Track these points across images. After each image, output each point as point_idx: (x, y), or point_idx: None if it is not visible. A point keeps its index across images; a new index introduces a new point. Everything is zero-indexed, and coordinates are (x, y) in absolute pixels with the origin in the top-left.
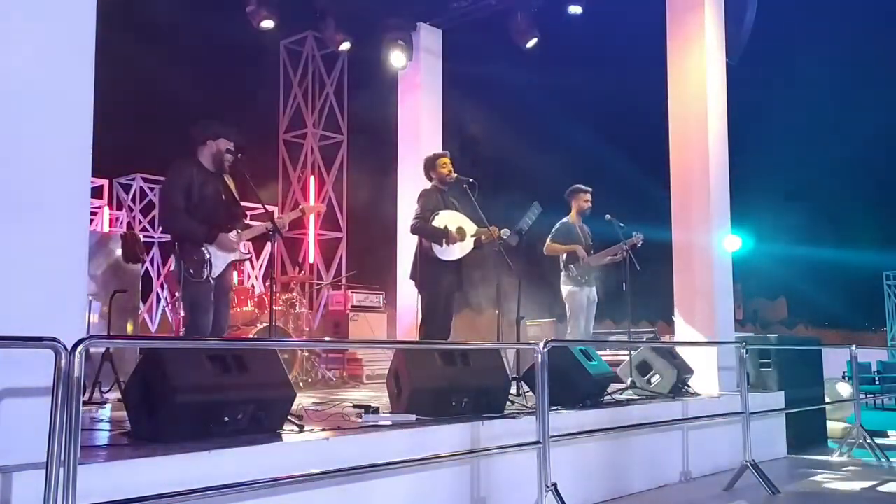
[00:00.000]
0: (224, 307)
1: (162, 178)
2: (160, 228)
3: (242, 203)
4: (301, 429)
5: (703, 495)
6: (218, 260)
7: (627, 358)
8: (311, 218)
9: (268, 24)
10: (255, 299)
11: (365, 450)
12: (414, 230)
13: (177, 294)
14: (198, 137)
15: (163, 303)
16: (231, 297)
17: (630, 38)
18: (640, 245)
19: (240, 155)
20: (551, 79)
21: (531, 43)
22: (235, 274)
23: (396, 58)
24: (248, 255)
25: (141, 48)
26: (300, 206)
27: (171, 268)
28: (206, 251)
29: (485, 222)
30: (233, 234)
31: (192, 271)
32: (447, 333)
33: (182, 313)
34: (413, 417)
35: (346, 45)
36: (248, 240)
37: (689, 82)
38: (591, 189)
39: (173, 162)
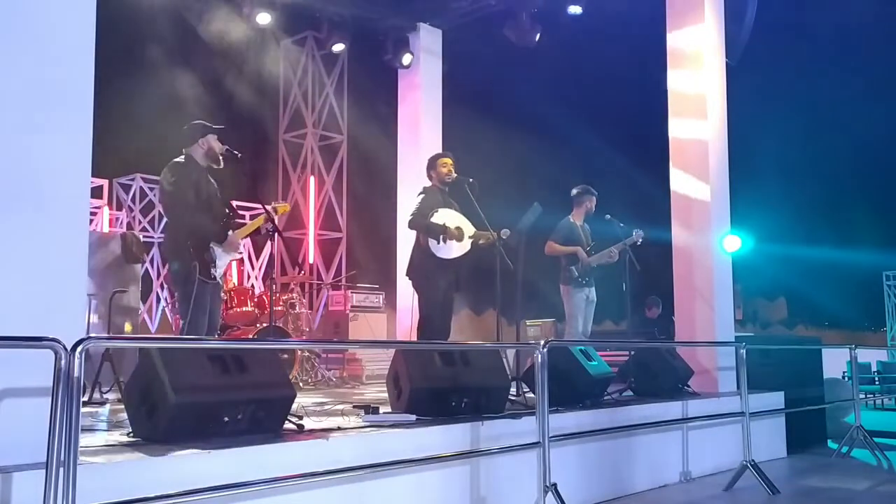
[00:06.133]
0: (219, 306)
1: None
2: (162, 228)
3: (241, 203)
4: (301, 429)
5: (703, 495)
6: (221, 260)
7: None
8: (312, 217)
9: (263, 18)
10: (255, 299)
11: (365, 450)
12: (411, 225)
13: (176, 294)
14: (189, 138)
15: (163, 303)
16: (223, 295)
17: (630, 38)
18: (640, 242)
19: (239, 155)
20: (551, 78)
21: (537, 37)
22: (235, 274)
23: (399, 56)
24: (241, 254)
25: (141, 48)
26: (271, 206)
27: (171, 268)
28: (213, 251)
29: (485, 223)
30: (231, 234)
31: (201, 272)
32: (446, 334)
33: (178, 313)
34: (413, 417)
35: (339, 47)
36: (246, 236)
37: (689, 82)
38: (595, 192)
39: (171, 163)
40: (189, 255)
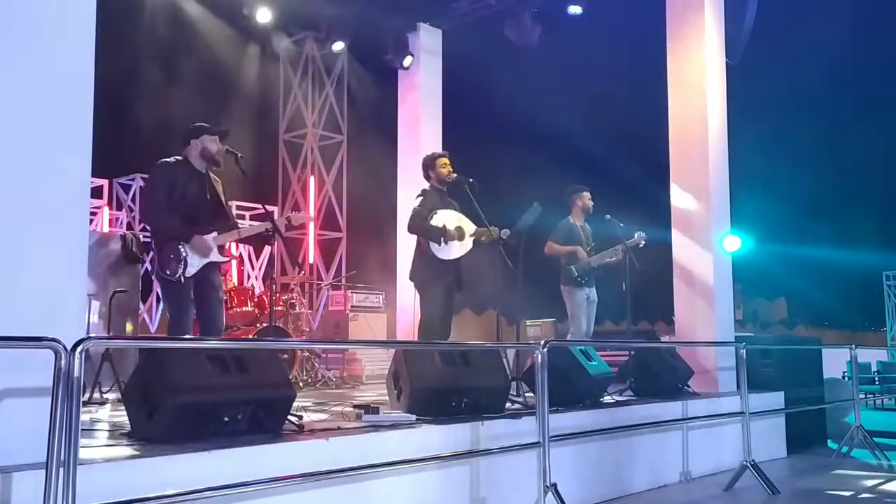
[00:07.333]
0: (215, 307)
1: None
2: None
3: (242, 203)
4: (301, 429)
5: (703, 495)
6: (193, 259)
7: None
8: (312, 217)
9: (264, 17)
10: (255, 300)
11: (365, 450)
12: (411, 228)
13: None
14: (184, 138)
15: (162, 303)
16: (222, 296)
17: (630, 38)
18: (642, 245)
19: (240, 156)
20: (551, 78)
21: (537, 37)
22: (235, 274)
23: (399, 56)
24: (228, 259)
25: (141, 48)
26: (286, 216)
27: None
28: (182, 250)
29: (484, 222)
30: (210, 237)
31: (167, 270)
32: (447, 334)
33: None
34: (413, 417)
35: (339, 46)
36: (241, 239)
37: (689, 82)
38: (588, 188)
39: (159, 161)
40: (154, 252)
